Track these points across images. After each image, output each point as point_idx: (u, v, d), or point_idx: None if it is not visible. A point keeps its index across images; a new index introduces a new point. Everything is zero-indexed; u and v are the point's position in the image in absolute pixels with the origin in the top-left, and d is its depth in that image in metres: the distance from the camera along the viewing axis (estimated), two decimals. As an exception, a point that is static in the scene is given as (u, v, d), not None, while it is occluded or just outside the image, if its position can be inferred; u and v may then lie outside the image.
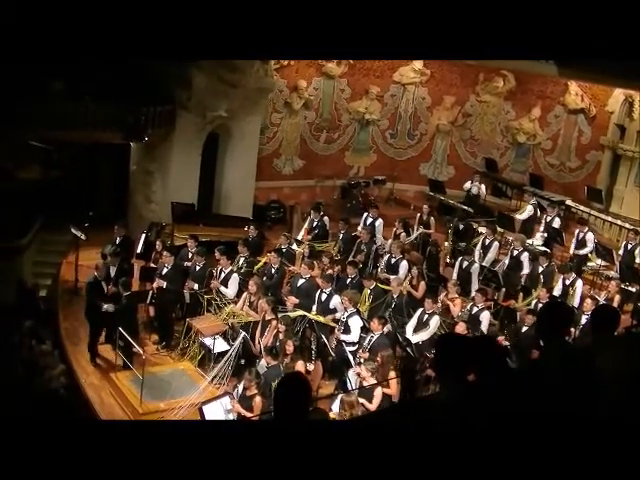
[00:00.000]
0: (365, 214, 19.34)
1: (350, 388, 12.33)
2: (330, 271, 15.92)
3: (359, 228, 18.65)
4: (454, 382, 4.45)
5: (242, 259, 16.09)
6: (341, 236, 18.23)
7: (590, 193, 22.23)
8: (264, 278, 15.62)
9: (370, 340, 13.17)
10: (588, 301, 14.67)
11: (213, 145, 21.06)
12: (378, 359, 12.10)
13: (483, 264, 17.28)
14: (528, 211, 20.51)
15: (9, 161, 18.26)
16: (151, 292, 15.66)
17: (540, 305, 14.57)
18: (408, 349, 13.65)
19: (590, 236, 18.51)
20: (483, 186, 22.36)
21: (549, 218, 19.60)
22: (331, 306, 14.48)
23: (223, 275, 15.21)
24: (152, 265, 16.36)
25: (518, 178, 24.64)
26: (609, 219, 21.69)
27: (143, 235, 17.77)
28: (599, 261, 18.20)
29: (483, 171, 24.32)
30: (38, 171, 19.52)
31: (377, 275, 16.14)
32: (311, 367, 13.89)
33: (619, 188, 22.97)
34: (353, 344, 13.63)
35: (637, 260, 17.93)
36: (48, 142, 18.90)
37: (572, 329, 13.15)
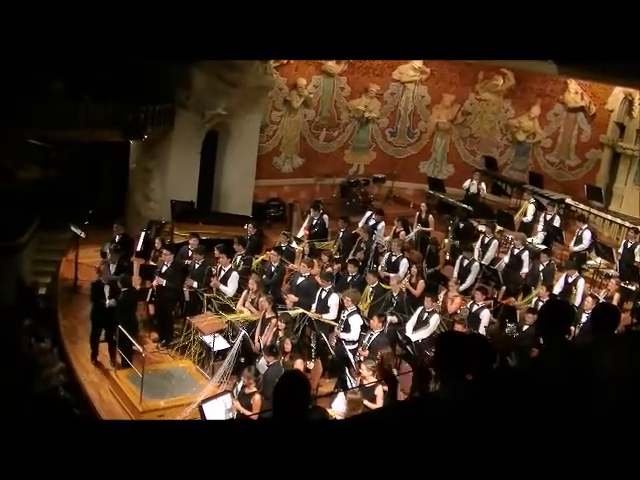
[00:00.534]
0: (368, 214, 19.36)
1: (350, 387, 12.33)
2: (329, 269, 15.93)
3: (359, 226, 18.67)
4: (454, 380, 4.45)
5: (239, 257, 16.09)
6: (341, 234, 18.24)
7: (590, 191, 22.23)
8: (264, 276, 15.63)
9: (370, 338, 13.18)
10: (589, 300, 14.66)
11: (212, 143, 21.06)
12: (377, 357, 12.11)
13: (482, 262, 17.29)
14: (531, 211, 20.48)
15: (9, 160, 18.26)
16: (151, 290, 15.67)
17: (540, 303, 14.58)
18: (408, 347, 13.67)
19: (587, 234, 18.52)
20: (483, 184, 22.36)
21: (549, 217, 19.61)
22: (328, 304, 14.48)
23: (223, 273, 15.21)
24: (152, 263, 16.37)
25: (518, 176, 24.64)
26: (609, 217, 21.69)
27: (143, 233, 17.78)
28: (599, 259, 18.20)
29: (483, 169, 24.31)
30: (37, 170, 19.53)
31: (377, 273, 16.15)
32: (311, 365, 13.92)
33: (619, 186, 22.97)
34: (353, 342, 13.64)
35: (637, 258, 17.94)
36: (48, 141, 18.90)
37: (572, 328, 13.14)
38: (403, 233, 18.27)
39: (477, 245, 18.13)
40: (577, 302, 15.43)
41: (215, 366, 13.74)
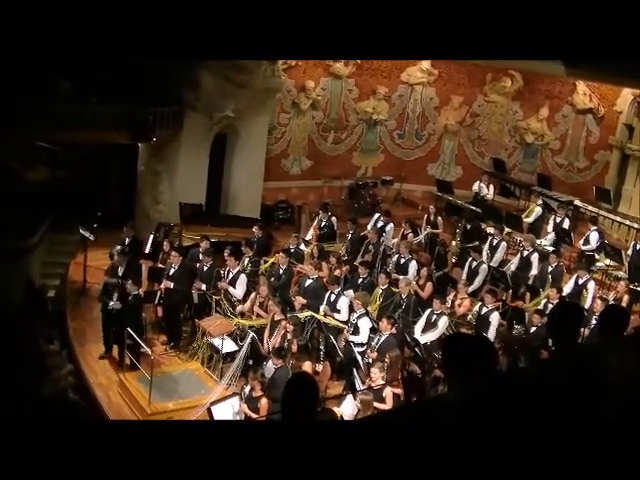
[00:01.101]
0: (376, 216, 19.35)
1: (358, 388, 12.33)
2: (337, 272, 15.92)
3: (368, 228, 18.66)
4: (462, 382, 4.44)
5: (247, 259, 16.10)
6: (349, 236, 18.22)
7: (598, 193, 22.18)
8: (272, 279, 15.63)
9: (379, 340, 13.17)
10: (598, 302, 14.64)
11: (221, 145, 21.07)
12: (386, 359, 12.10)
13: (491, 264, 17.26)
14: (536, 213, 20.48)
15: (17, 162, 18.28)
16: (159, 293, 15.69)
17: (550, 305, 14.55)
18: (416, 349, 13.65)
19: (594, 235, 18.50)
20: (491, 186, 22.32)
21: (558, 219, 19.57)
22: (338, 307, 14.46)
23: (231, 275, 15.22)
24: (160, 265, 16.38)
25: (526, 178, 24.60)
26: (617, 219, 21.64)
27: (151, 236, 17.82)
28: (608, 261, 18.14)
29: (491, 171, 24.28)
30: (46, 172, 19.55)
31: (389, 274, 16.12)
32: (319, 368, 13.91)
33: (627, 188, 22.91)
34: (361, 345, 13.63)
35: (646, 260, 17.91)
36: (56, 143, 18.93)
37: (582, 330, 13.11)
38: (411, 235, 18.26)
39: (485, 247, 18.10)
40: (587, 304, 15.38)
41: (224, 368, 13.75)
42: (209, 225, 18.69)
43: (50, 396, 12.57)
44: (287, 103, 23.39)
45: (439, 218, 19.56)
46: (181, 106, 19.42)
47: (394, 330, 13.41)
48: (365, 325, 13.72)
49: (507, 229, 19.49)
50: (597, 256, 18.41)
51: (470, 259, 17.13)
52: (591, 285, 15.88)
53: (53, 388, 12.85)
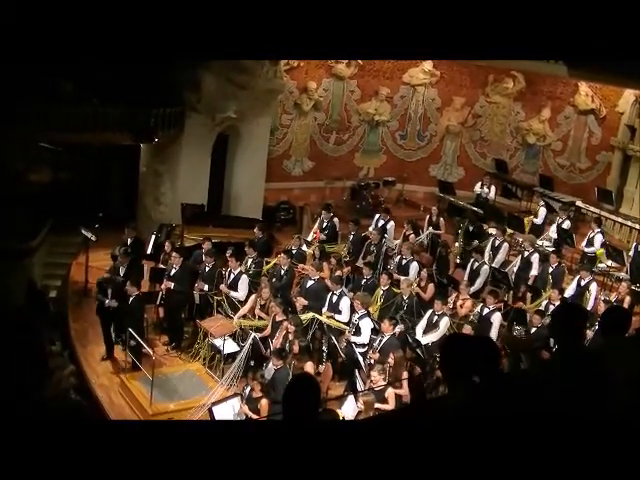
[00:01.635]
0: (377, 216, 19.35)
1: (360, 389, 12.33)
2: (339, 272, 15.92)
3: (370, 229, 18.65)
4: (461, 383, 4.44)
5: (250, 260, 16.09)
6: (351, 237, 18.22)
7: (600, 194, 22.17)
8: (274, 280, 15.63)
9: (380, 341, 13.16)
10: (601, 303, 14.65)
11: (223, 146, 21.09)
12: (390, 360, 12.09)
13: (493, 265, 17.26)
14: (542, 214, 20.42)
15: (20, 163, 18.31)
16: (160, 293, 15.69)
17: (551, 306, 14.54)
18: (418, 350, 13.65)
19: (599, 237, 18.46)
20: (493, 187, 22.29)
21: (560, 220, 19.54)
22: (340, 307, 14.46)
23: (232, 276, 15.20)
24: (161, 266, 16.38)
25: (528, 179, 24.60)
26: (619, 220, 21.63)
27: (153, 236, 17.83)
28: (609, 262, 18.13)
29: (493, 172, 24.29)
30: (49, 173, 19.58)
31: (391, 274, 16.11)
32: (321, 368, 13.91)
33: (629, 189, 22.88)
34: (363, 346, 13.63)
35: (648, 261, 17.89)
36: (59, 144, 18.96)
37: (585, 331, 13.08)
38: (413, 236, 18.25)
39: (487, 248, 18.09)
40: (590, 306, 15.37)
41: (225, 369, 13.75)
42: (211, 226, 18.68)
43: (52, 397, 12.58)
44: (289, 104, 23.41)
45: (441, 219, 19.54)
46: (183, 107, 19.44)
47: (397, 330, 13.40)
48: (367, 326, 13.72)
49: (509, 230, 19.50)
50: (600, 257, 18.36)
51: (472, 260, 17.13)
52: (593, 286, 15.85)
53: (55, 389, 12.86)
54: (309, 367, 12.55)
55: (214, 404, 11.61)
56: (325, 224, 18.80)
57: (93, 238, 17.09)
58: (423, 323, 14.19)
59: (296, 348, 12.66)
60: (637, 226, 20.69)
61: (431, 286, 15.75)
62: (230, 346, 13.95)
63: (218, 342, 14.02)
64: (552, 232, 19.53)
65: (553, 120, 24.43)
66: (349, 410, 11.48)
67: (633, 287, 16.28)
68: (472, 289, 16.14)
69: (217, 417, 11.24)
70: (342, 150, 24.98)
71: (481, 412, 4.04)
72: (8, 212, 16.70)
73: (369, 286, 15.39)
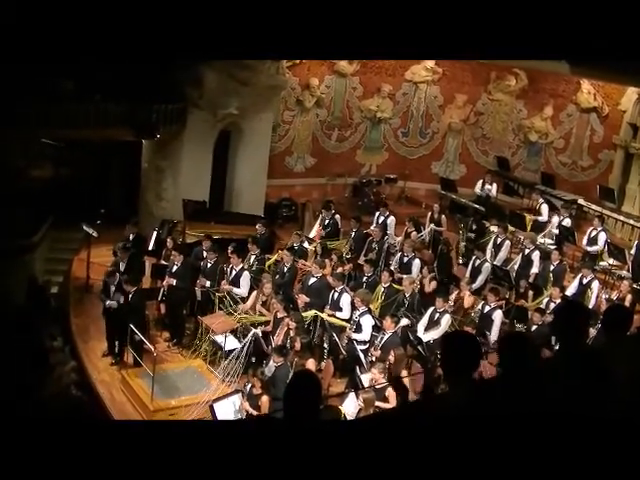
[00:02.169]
0: (377, 213, 19.33)
1: (360, 387, 12.33)
2: (340, 269, 15.93)
3: (372, 227, 18.63)
4: (462, 381, 4.44)
5: (253, 257, 16.10)
6: (353, 234, 18.23)
7: (602, 192, 22.13)
8: (276, 276, 15.64)
9: (382, 338, 13.17)
10: (603, 302, 14.63)
11: (224, 143, 21.08)
12: (390, 357, 12.09)
13: (494, 263, 17.25)
14: (545, 211, 20.36)
15: (21, 159, 18.31)
16: (162, 289, 15.70)
17: (552, 304, 14.55)
18: (419, 348, 13.66)
19: (602, 235, 18.41)
20: (495, 185, 22.26)
21: (561, 217, 19.51)
22: (341, 304, 14.46)
23: (234, 273, 15.19)
24: (163, 262, 16.39)
25: (530, 177, 24.57)
26: (621, 218, 21.60)
27: (155, 232, 17.84)
28: (611, 260, 18.09)
29: (495, 170, 24.26)
30: (50, 169, 19.59)
31: (392, 272, 16.10)
32: (322, 365, 13.91)
33: (631, 187, 22.84)
34: (364, 343, 13.63)
35: (649, 259, 17.85)
36: (60, 140, 18.96)
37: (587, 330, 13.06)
38: (414, 233, 18.23)
39: (489, 246, 18.08)
40: (591, 304, 15.35)
41: (226, 366, 13.74)
42: (213, 222, 18.70)
43: (53, 393, 12.60)
44: (291, 101, 23.41)
45: (443, 216, 19.53)
46: (185, 103, 19.43)
47: (403, 323, 13.41)
48: (367, 323, 13.73)
49: (511, 228, 19.49)
50: (602, 255, 18.32)
51: (474, 257, 17.13)
52: (595, 285, 15.82)
53: (56, 385, 12.88)
54: (310, 364, 12.56)
55: (215, 401, 11.62)
56: (327, 221, 18.80)
57: (95, 234, 17.10)
58: (425, 320, 14.19)
59: (297, 345, 12.66)
60: (639, 224, 20.65)
61: (433, 283, 15.76)
62: (231, 343, 13.94)
63: (219, 339, 14.02)
64: (553, 229, 19.50)
65: (555, 118, 24.39)
66: (350, 407, 11.48)
67: (635, 285, 16.25)
68: (473, 286, 16.14)
69: (218, 414, 11.25)
70: (344, 147, 24.96)
71: (482, 410, 4.04)
72: (9, 208, 16.71)
73: (370, 283, 15.39)
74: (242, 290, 15.06)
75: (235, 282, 15.13)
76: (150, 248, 17.41)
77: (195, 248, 16.72)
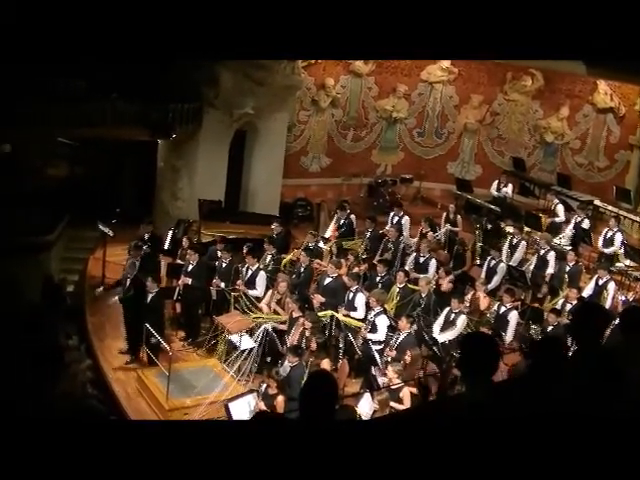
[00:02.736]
0: (392, 213, 19.31)
1: (376, 387, 12.32)
2: (356, 269, 15.92)
3: (387, 227, 18.61)
4: (480, 382, 4.43)
5: (269, 257, 16.11)
6: (368, 234, 18.21)
7: (619, 193, 22.05)
8: (292, 276, 15.64)
9: (397, 339, 13.15)
10: (619, 303, 14.57)
11: (240, 142, 21.11)
12: (406, 357, 12.07)
13: (510, 264, 17.20)
14: (562, 212, 20.27)
15: (37, 158, 18.39)
16: (177, 289, 15.72)
17: (568, 305, 14.50)
18: (434, 348, 13.63)
19: (619, 236, 18.32)
20: (510, 186, 22.20)
21: (579, 219, 19.42)
22: (355, 304, 14.46)
23: (250, 273, 15.20)
24: (179, 262, 16.42)
25: (546, 177, 24.50)
26: (638, 219, 21.50)
27: (170, 232, 17.88)
28: (627, 262, 18.02)
29: (511, 170, 24.21)
30: (66, 168, 19.67)
31: (407, 272, 16.07)
32: (338, 365, 13.90)
33: (648, 188, 22.79)
34: (379, 343, 13.62)
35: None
36: (76, 139, 19.04)
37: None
38: (431, 233, 18.20)
39: (505, 246, 18.03)
40: (607, 305, 15.28)
41: (242, 365, 13.76)
42: (228, 222, 18.73)
43: (68, 391, 12.63)
44: (307, 101, 23.43)
45: (458, 216, 19.50)
46: (201, 103, 19.48)
47: (414, 328, 13.39)
48: (383, 323, 13.71)
49: (526, 228, 19.44)
50: (618, 256, 18.23)
51: (489, 258, 17.09)
52: (611, 286, 15.73)
53: (71, 383, 12.92)
54: (326, 364, 12.55)
55: (230, 400, 11.63)
56: (342, 221, 18.80)
57: (110, 233, 17.14)
58: (440, 321, 14.17)
59: (313, 345, 12.65)
60: (656, 225, 20.59)
61: (449, 283, 15.72)
62: (247, 342, 13.95)
63: (235, 338, 14.03)
64: (569, 230, 19.42)
65: (572, 118, 24.33)
66: (365, 407, 11.47)
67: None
68: (489, 287, 16.10)
69: (233, 413, 11.26)
70: (359, 147, 24.97)
71: (499, 411, 4.04)
72: (26, 207, 16.79)
73: (385, 283, 15.38)
74: (258, 291, 15.06)
75: (251, 282, 15.13)
76: (166, 247, 17.44)
77: (210, 248, 16.74)
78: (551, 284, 16.60)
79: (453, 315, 14.01)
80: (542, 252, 17.31)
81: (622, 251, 18.12)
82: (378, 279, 15.56)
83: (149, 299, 14.37)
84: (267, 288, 15.11)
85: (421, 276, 15.63)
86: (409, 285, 15.23)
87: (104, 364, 14.47)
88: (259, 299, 14.97)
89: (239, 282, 15.15)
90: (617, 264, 18.11)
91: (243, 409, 11.45)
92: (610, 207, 21.63)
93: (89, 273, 18.00)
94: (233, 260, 15.66)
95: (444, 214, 19.70)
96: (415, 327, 13.58)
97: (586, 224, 19.26)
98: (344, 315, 14.36)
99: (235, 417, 11.22)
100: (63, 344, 14.15)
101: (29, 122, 16.35)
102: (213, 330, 14.79)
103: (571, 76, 23.36)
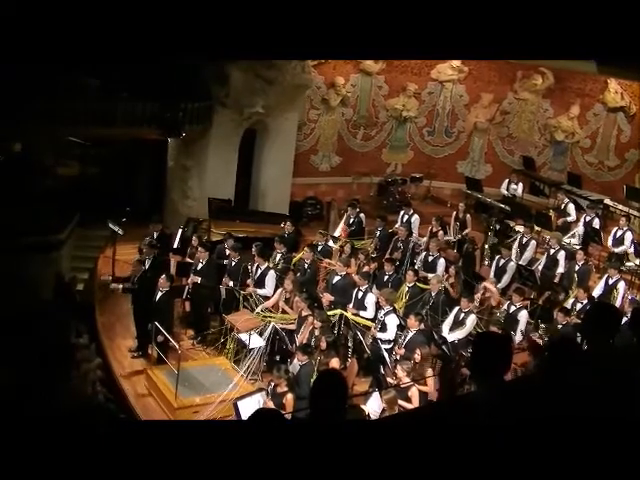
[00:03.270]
0: (402, 212, 19.30)
1: (384, 386, 12.31)
2: (366, 268, 15.92)
3: (396, 226, 18.62)
4: (490, 382, 4.42)
5: (279, 255, 16.13)
6: (378, 233, 18.20)
7: (629, 192, 21.98)
8: (298, 274, 15.65)
9: (406, 337, 13.13)
10: (628, 302, 14.53)
11: (250, 141, 21.12)
12: (416, 356, 12.05)
13: (520, 263, 17.18)
14: (573, 211, 20.22)
15: (49, 157, 18.44)
16: (187, 287, 15.74)
17: (578, 305, 14.47)
18: (444, 347, 13.62)
19: (629, 235, 18.28)
20: (520, 185, 22.17)
21: (589, 218, 19.37)
22: (365, 304, 14.46)
23: (259, 272, 15.22)
24: (188, 260, 16.44)
25: (556, 176, 24.42)
26: (648, 219, 21.45)
27: (180, 230, 17.91)
28: (637, 261, 17.97)
29: (521, 169, 24.17)
30: (77, 167, 19.71)
31: (417, 271, 16.06)
32: (347, 364, 13.89)
33: (658, 187, 22.71)
34: (389, 342, 13.61)
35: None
36: (87, 138, 19.08)
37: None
38: (441, 233, 18.20)
39: (515, 245, 18.01)
40: (617, 304, 15.23)
41: (250, 364, 13.77)
42: (238, 221, 18.75)
43: (78, 389, 12.67)
44: (317, 99, 23.43)
45: (468, 216, 19.49)
46: (211, 102, 19.50)
47: (422, 326, 13.37)
48: (392, 322, 13.70)
49: (536, 227, 19.40)
50: (628, 256, 18.19)
51: (498, 257, 17.07)
52: (621, 285, 15.70)
53: (82, 381, 12.95)
54: (335, 363, 12.55)
55: (239, 399, 11.63)
56: (352, 220, 18.81)
57: (120, 232, 17.17)
58: (450, 320, 14.15)
59: (323, 344, 12.64)
60: (666, 225, 20.52)
61: (459, 282, 15.71)
62: (256, 341, 13.96)
63: (244, 337, 14.04)
64: (579, 229, 19.38)
65: (582, 117, 24.25)
66: (374, 406, 11.46)
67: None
68: (499, 286, 16.09)
69: (242, 412, 11.26)
70: (369, 146, 24.95)
71: (509, 411, 4.03)
72: (37, 205, 16.83)
73: (394, 282, 15.37)
74: (267, 290, 15.08)
75: (260, 281, 15.15)
76: (175, 246, 17.47)
77: (218, 246, 16.76)
78: (560, 283, 16.58)
79: (462, 315, 13.99)
80: (552, 251, 17.27)
81: (632, 250, 18.09)
82: (386, 278, 15.55)
83: (158, 297, 14.38)
84: (276, 287, 15.11)
85: (430, 275, 15.62)
86: (418, 284, 15.23)
87: (113, 363, 14.51)
88: (268, 299, 14.98)
89: (249, 281, 15.18)
90: (627, 263, 18.07)
91: (252, 408, 11.43)
92: (620, 206, 21.55)
93: (99, 272, 18.04)
94: (242, 259, 15.67)
95: (454, 213, 19.68)
96: (423, 325, 13.57)
97: (596, 223, 19.22)
98: (353, 314, 14.36)
99: (244, 416, 11.22)
100: (74, 342, 14.19)
101: (40, 121, 16.39)
102: (222, 329, 14.82)
103: (582, 75, 23.28)
